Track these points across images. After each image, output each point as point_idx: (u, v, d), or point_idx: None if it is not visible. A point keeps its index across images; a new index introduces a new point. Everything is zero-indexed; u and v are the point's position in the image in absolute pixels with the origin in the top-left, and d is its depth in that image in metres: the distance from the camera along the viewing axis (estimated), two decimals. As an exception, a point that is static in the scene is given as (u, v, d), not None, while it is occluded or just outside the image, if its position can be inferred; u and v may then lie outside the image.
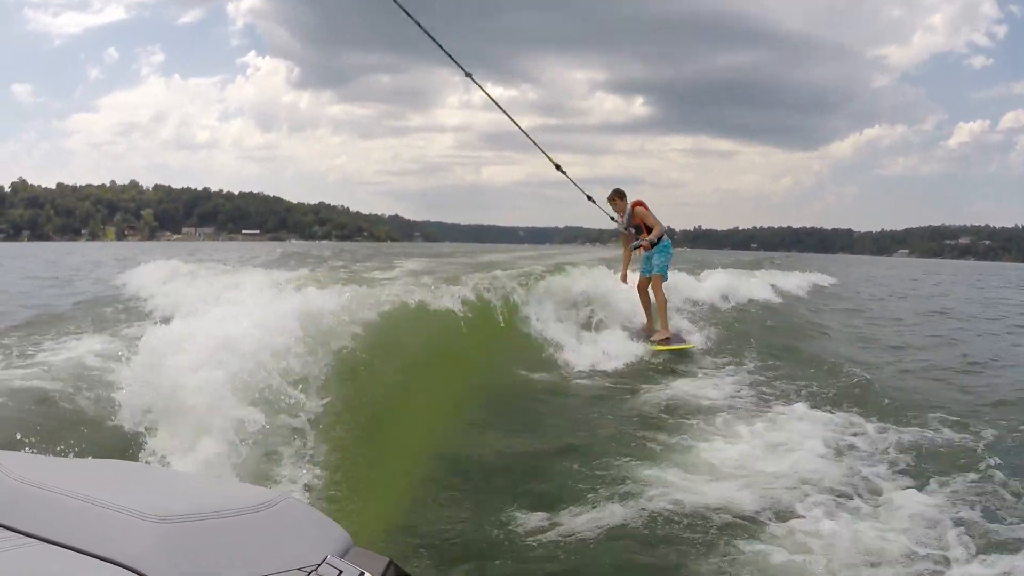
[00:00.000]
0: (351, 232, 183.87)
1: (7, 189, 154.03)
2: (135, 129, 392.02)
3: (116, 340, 6.37)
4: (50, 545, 0.76)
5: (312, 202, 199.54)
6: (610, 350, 7.57)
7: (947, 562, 2.92)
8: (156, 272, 12.96)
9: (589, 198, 7.80)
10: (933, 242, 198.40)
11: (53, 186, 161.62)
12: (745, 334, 9.13)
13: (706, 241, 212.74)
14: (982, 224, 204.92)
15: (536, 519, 3.32)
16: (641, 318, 8.68)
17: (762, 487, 3.73)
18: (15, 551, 0.74)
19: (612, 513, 3.35)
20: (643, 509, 3.40)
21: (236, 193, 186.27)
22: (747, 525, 3.27)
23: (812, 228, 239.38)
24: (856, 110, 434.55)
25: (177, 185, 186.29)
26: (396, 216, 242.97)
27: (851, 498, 3.62)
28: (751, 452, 4.33)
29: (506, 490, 3.69)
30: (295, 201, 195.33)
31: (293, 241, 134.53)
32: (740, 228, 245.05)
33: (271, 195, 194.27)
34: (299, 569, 0.82)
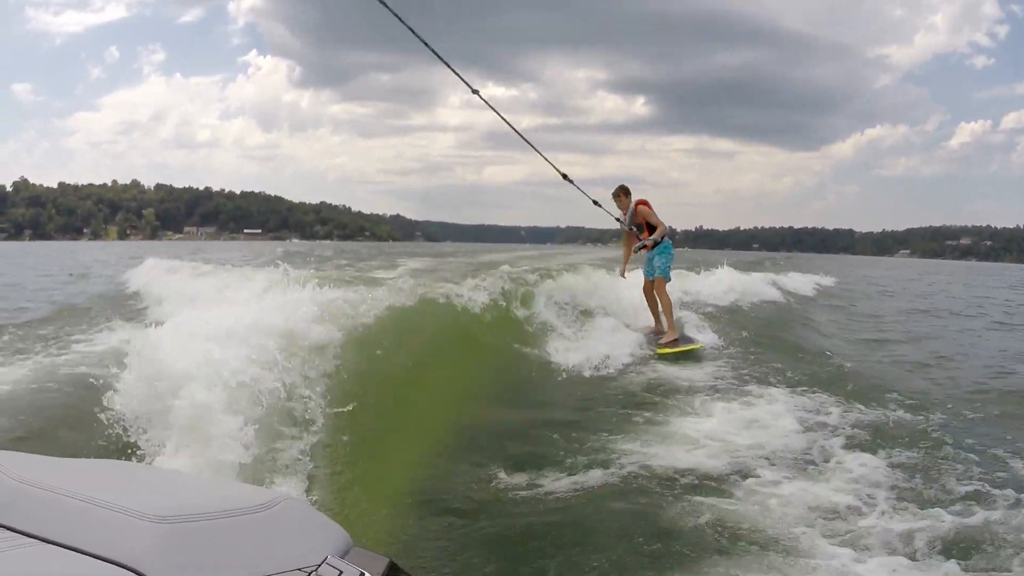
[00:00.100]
0: (353, 232, 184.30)
1: (9, 188, 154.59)
2: (136, 128, 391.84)
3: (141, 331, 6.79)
4: (49, 545, 0.77)
5: (313, 201, 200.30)
6: (607, 344, 7.69)
7: (880, 514, 3.43)
8: (164, 269, 13.42)
9: (595, 203, 7.90)
10: (934, 243, 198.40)
11: (55, 185, 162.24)
12: (734, 326, 9.55)
13: (707, 241, 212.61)
14: (983, 225, 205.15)
15: (519, 480, 3.82)
16: (645, 320, 8.62)
17: (731, 455, 4.26)
18: (14, 551, 0.74)
19: (589, 476, 3.87)
20: (617, 472, 3.93)
21: (238, 193, 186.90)
22: (712, 485, 3.78)
23: (813, 228, 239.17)
24: (857, 110, 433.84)
25: (178, 184, 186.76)
26: (397, 216, 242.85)
27: (809, 464, 4.14)
28: (725, 427, 4.86)
29: (509, 489, 3.75)
30: (296, 201, 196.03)
31: (295, 241, 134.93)
32: (741, 228, 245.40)
33: (272, 194, 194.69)
34: (299, 570, 0.83)
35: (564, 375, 6.69)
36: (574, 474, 3.93)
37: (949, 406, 5.52)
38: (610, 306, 9.16)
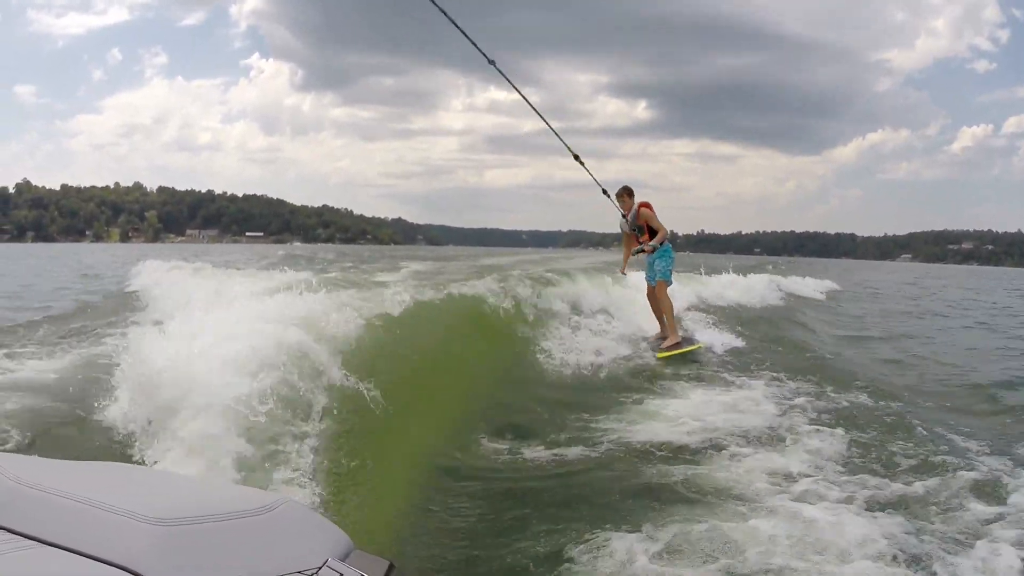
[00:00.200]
0: (354, 235, 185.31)
1: (11, 190, 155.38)
2: (138, 130, 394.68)
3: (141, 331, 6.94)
4: (48, 547, 0.77)
5: (315, 205, 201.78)
6: (606, 343, 7.92)
7: (834, 477, 3.93)
8: (168, 270, 13.62)
9: (604, 192, 7.95)
10: (936, 247, 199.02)
11: (57, 187, 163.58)
12: (733, 325, 9.86)
13: (709, 245, 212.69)
14: (985, 229, 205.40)
15: (520, 479, 4.33)
16: (649, 325, 8.61)
17: (707, 432, 4.76)
18: (13, 553, 0.74)
19: (568, 450, 4.40)
20: (595, 446, 4.44)
21: (240, 195, 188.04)
22: (684, 456, 4.29)
23: (815, 232, 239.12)
24: (859, 114, 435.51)
25: (179, 187, 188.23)
26: (399, 219, 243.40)
27: (777, 440, 4.64)
28: (703, 409, 5.37)
29: (507, 493, 3.79)
30: (299, 204, 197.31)
31: (297, 244, 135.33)
32: (743, 232, 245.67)
33: (275, 197, 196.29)
34: (299, 572, 0.84)
35: (564, 375, 6.86)
36: (555, 447, 4.43)
37: (907, 396, 6.05)
38: (610, 307, 9.48)
